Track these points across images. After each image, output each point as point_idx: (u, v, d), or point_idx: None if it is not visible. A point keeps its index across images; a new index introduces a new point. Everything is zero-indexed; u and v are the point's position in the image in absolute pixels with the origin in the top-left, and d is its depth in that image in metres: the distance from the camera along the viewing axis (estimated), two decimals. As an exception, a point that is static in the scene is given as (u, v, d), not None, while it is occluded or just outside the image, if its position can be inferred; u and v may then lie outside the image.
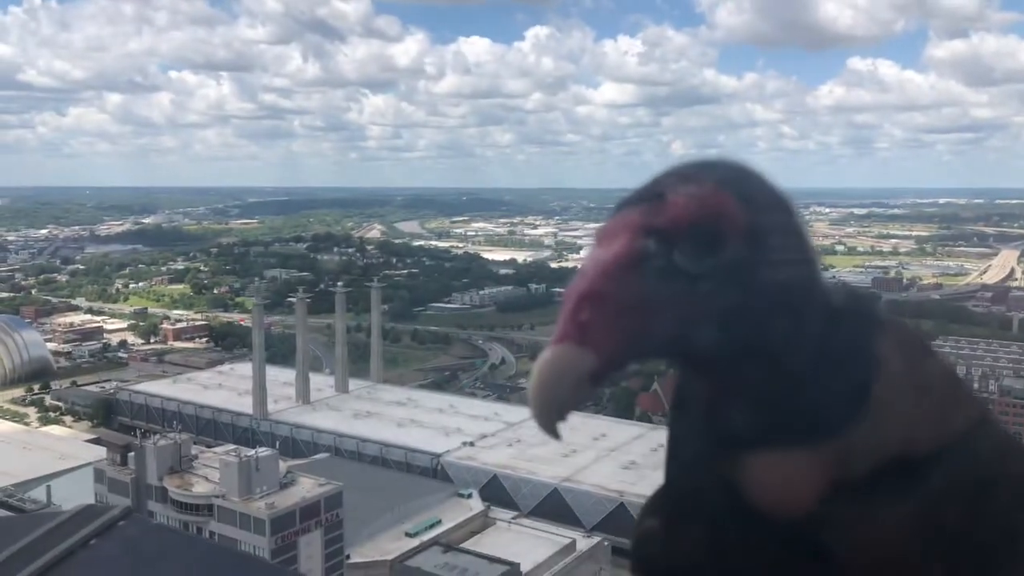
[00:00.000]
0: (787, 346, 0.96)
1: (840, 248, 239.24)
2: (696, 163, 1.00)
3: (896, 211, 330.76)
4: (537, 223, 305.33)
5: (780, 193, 1.00)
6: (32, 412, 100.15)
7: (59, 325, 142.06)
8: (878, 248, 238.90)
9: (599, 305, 0.91)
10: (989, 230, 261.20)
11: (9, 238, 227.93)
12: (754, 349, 0.95)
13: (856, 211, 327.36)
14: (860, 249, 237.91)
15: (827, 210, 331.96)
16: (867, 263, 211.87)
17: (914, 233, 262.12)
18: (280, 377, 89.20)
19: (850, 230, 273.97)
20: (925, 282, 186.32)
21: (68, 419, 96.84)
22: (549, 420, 0.94)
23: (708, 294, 0.92)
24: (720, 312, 0.93)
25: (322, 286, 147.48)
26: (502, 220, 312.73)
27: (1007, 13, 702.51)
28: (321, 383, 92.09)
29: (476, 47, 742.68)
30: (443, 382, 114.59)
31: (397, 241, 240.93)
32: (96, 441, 78.44)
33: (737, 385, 0.99)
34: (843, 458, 0.98)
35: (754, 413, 0.99)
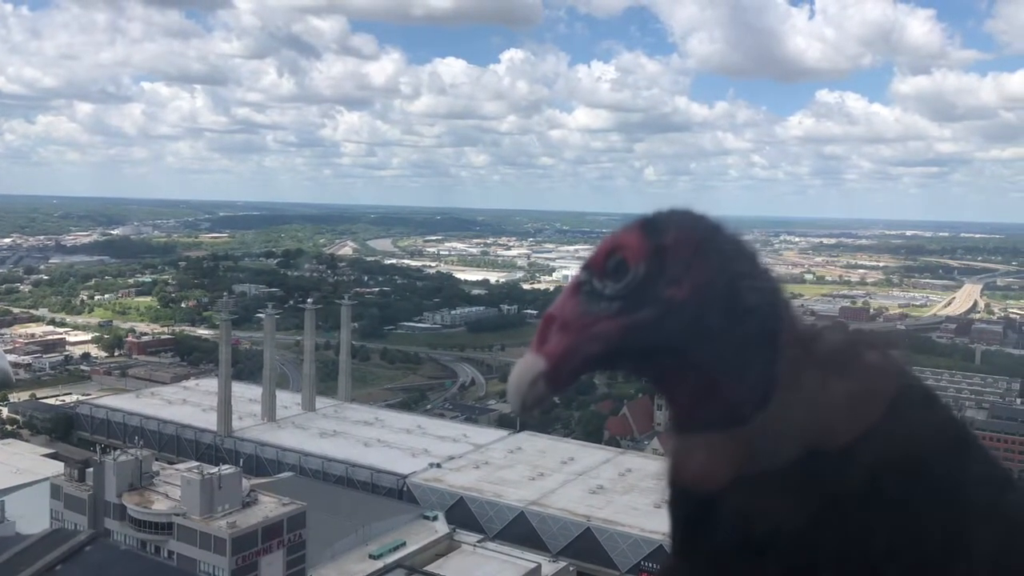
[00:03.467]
0: (696, 344, 1.14)
1: (809, 277, 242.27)
2: (675, 211, 1.26)
3: (864, 241, 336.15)
4: (510, 244, 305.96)
5: (705, 222, 1.22)
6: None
7: (20, 336, 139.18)
8: (846, 278, 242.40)
9: (552, 322, 1.21)
10: (953, 263, 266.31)
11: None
12: (666, 349, 1.15)
13: (825, 240, 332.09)
14: (828, 278, 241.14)
15: (797, 239, 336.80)
16: (835, 292, 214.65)
17: (881, 264, 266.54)
18: (246, 394, 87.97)
19: (819, 259, 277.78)
20: (891, 312, 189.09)
21: (26, 432, 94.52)
22: (519, 409, 1.22)
23: (621, 310, 1.16)
24: (635, 325, 1.16)
25: (292, 302, 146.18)
26: (475, 240, 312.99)
27: (967, 51, 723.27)
28: (288, 400, 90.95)
29: (452, 68, 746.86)
30: (412, 402, 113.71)
31: (369, 259, 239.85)
32: (54, 456, 76.71)
33: (662, 379, 1.20)
34: (753, 442, 1.12)
35: (675, 401, 1.19)
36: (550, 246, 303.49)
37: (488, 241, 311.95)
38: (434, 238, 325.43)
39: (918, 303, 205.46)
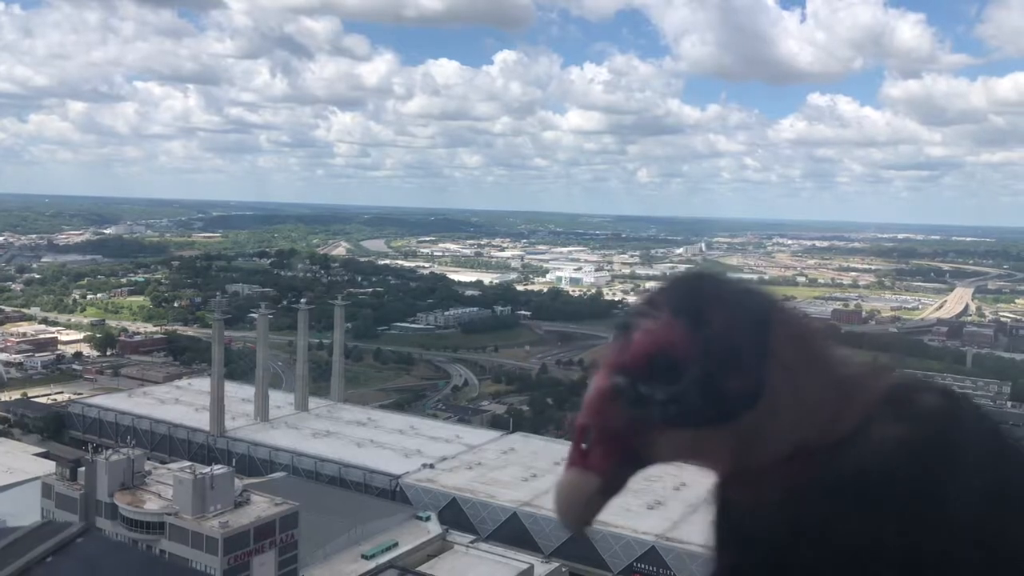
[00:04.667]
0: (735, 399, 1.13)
1: (801, 279, 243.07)
2: (667, 284, 1.20)
3: (856, 244, 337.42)
4: (504, 245, 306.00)
5: (742, 297, 1.18)
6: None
7: (12, 335, 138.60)
8: (838, 280, 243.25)
9: (591, 434, 1.13)
10: (945, 266, 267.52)
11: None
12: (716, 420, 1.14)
13: (818, 243, 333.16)
14: (821, 281, 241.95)
15: (789, 241, 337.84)
16: (827, 295, 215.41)
17: (873, 267, 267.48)
18: (239, 393, 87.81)
19: (811, 262, 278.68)
20: (883, 315, 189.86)
21: (17, 432, 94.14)
22: (575, 530, 1.19)
23: (681, 413, 1.11)
24: (701, 424, 1.13)
25: (285, 302, 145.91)
26: (469, 241, 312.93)
27: (958, 55, 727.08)
28: (281, 400, 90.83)
29: (445, 69, 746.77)
30: (405, 403, 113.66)
31: (362, 259, 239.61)
32: (45, 455, 76.40)
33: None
34: (744, 438, 1.13)
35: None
36: (543, 247, 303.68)
37: (482, 242, 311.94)
38: (427, 239, 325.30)
39: (910, 306, 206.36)
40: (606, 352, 1.15)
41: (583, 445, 1.14)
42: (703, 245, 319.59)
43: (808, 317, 1.19)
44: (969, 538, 1.07)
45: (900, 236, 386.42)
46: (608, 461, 1.13)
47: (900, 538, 1.08)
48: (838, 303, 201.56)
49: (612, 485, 1.15)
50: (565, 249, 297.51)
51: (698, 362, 1.11)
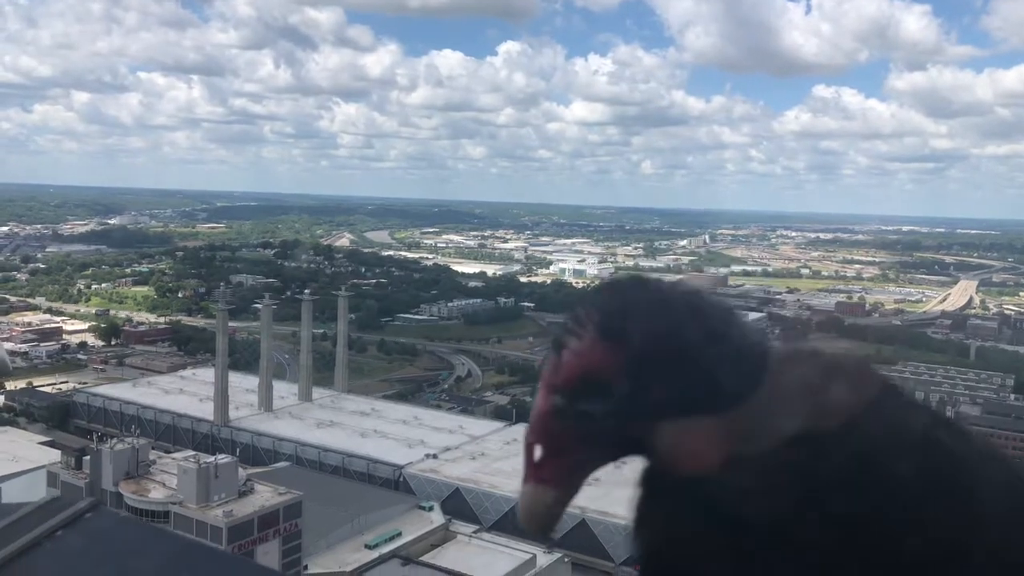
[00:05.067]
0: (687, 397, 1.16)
1: (805, 272, 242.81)
2: (590, 298, 1.21)
3: (860, 237, 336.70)
4: (507, 237, 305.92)
5: (664, 302, 1.19)
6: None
7: (17, 324, 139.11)
8: (842, 273, 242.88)
9: (539, 450, 1.18)
10: (949, 259, 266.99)
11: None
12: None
13: (822, 235, 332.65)
14: (824, 273, 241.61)
15: (793, 234, 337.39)
16: (831, 287, 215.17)
17: (877, 259, 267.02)
18: (243, 384, 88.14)
19: (815, 254, 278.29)
20: (887, 308, 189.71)
21: (23, 421, 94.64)
22: (541, 537, 1.69)
23: (617, 423, 1.16)
24: (636, 428, 1.17)
25: (289, 293, 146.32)
26: (472, 233, 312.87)
27: (963, 47, 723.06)
28: (284, 391, 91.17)
29: (448, 60, 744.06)
30: (408, 393, 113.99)
31: (366, 250, 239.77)
32: (51, 444, 76.79)
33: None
34: (742, 427, 1.15)
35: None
36: (547, 239, 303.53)
37: (485, 234, 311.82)
38: (431, 230, 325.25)
39: (914, 299, 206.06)
40: (543, 371, 1.19)
41: (532, 461, 1.18)
42: (707, 237, 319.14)
43: (732, 312, 1.21)
44: (902, 526, 1.08)
45: (904, 229, 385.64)
46: (558, 473, 1.18)
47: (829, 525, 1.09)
48: (842, 295, 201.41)
49: (567, 493, 1.20)
50: (569, 241, 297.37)
51: (626, 375, 1.14)
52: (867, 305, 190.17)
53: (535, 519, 1.21)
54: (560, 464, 1.19)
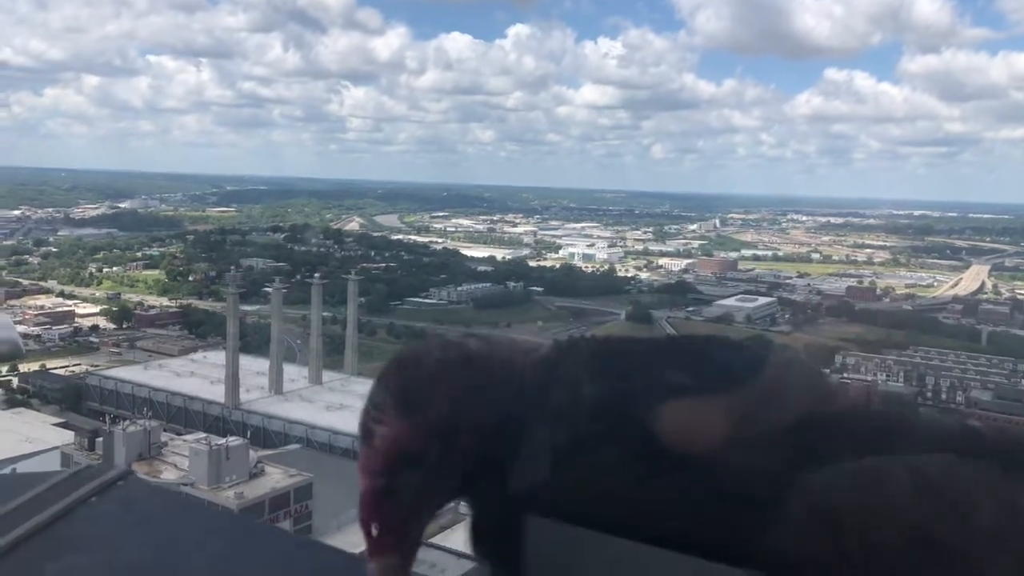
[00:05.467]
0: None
1: (816, 256, 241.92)
2: (382, 378, 1.29)
3: (872, 221, 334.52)
4: (517, 221, 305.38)
5: (451, 366, 1.24)
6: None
7: (29, 307, 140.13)
8: (853, 257, 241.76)
9: (375, 527, 1.23)
10: (961, 243, 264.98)
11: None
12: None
13: (833, 220, 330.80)
14: (835, 258, 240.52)
15: (804, 218, 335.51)
16: (842, 272, 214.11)
17: (888, 244, 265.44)
18: (253, 367, 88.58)
19: (826, 238, 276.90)
20: (898, 292, 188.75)
21: (36, 402, 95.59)
22: None
23: (440, 478, 1.21)
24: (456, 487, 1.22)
25: (299, 277, 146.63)
26: (482, 217, 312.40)
27: (977, 29, 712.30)
28: (295, 374, 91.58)
29: (457, 43, 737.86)
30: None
31: (375, 234, 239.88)
32: (64, 425, 77.48)
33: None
34: (736, 413, 1.11)
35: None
36: (556, 223, 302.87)
37: (494, 218, 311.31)
38: (440, 214, 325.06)
39: (925, 283, 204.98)
40: (360, 458, 1.25)
41: (374, 536, 1.22)
42: (717, 221, 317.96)
43: (515, 346, 1.24)
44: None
45: (916, 213, 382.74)
46: (398, 541, 1.22)
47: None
48: (852, 280, 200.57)
49: (410, 553, 1.24)
50: (578, 225, 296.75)
51: (436, 440, 1.18)
52: (878, 290, 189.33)
53: None
54: (397, 533, 1.22)
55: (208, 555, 2.35)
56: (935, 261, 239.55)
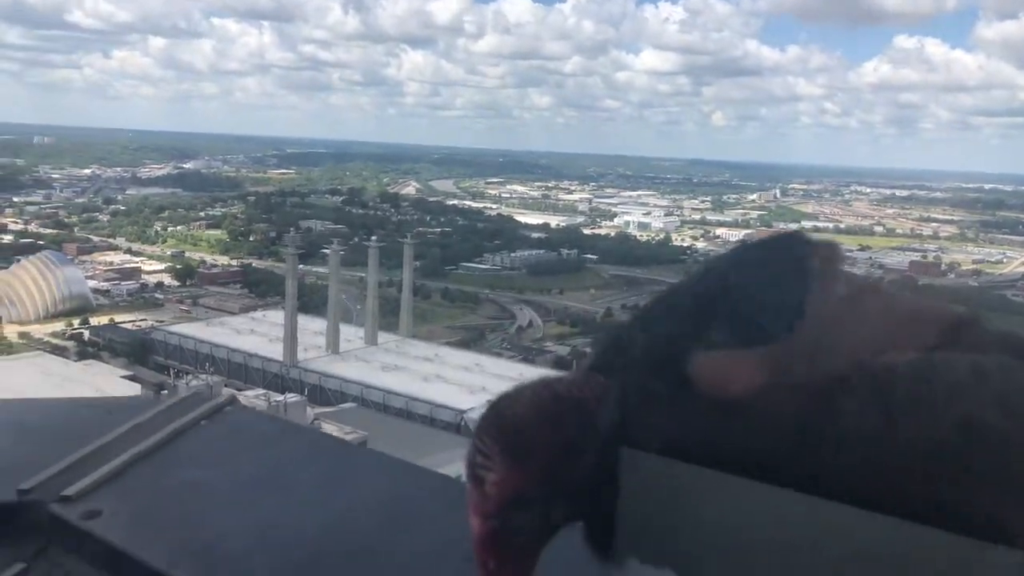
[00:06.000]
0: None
1: (879, 229, 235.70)
2: (484, 423, 1.32)
3: (938, 194, 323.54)
4: (572, 188, 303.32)
5: (549, 409, 1.28)
6: (71, 346, 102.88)
7: (100, 264, 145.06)
8: (918, 231, 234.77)
9: (492, 565, 1.25)
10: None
11: (54, 176, 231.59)
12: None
13: (898, 192, 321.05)
14: (899, 231, 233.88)
15: (868, 190, 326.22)
16: (905, 245, 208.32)
17: (956, 218, 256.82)
18: (311, 326, 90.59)
19: (890, 211, 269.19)
20: (964, 268, 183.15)
21: (105, 355, 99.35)
22: None
23: (551, 515, 1.25)
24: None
25: (356, 239, 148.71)
26: (537, 183, 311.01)
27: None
28: (351, 334, 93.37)
29: (516, 7, 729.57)
30: (470, 340, 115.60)
31: (431, 199, 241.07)
32: (131, 378, 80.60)
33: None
34: (782, 359, 1.14)
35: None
36: (612, 191, 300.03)
37: (550, 184, 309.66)
38: (496, 180, 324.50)
39: (993, 259, 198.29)
40: (471, 502, 1.26)
41: (490, 570, 1.25)
42: (777, 191, 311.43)
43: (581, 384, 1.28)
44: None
45: (987, 187, 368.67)
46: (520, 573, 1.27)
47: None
48: (916, 254, 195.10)
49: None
50: (634, 193, 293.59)
51: (544, 480, 1.22)
52: (943, 265, 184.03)
53: None
54: (514, 568, 1.26)
55: (320, 472, 2.46)
56: (1006, 236, 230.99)
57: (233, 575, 1.87)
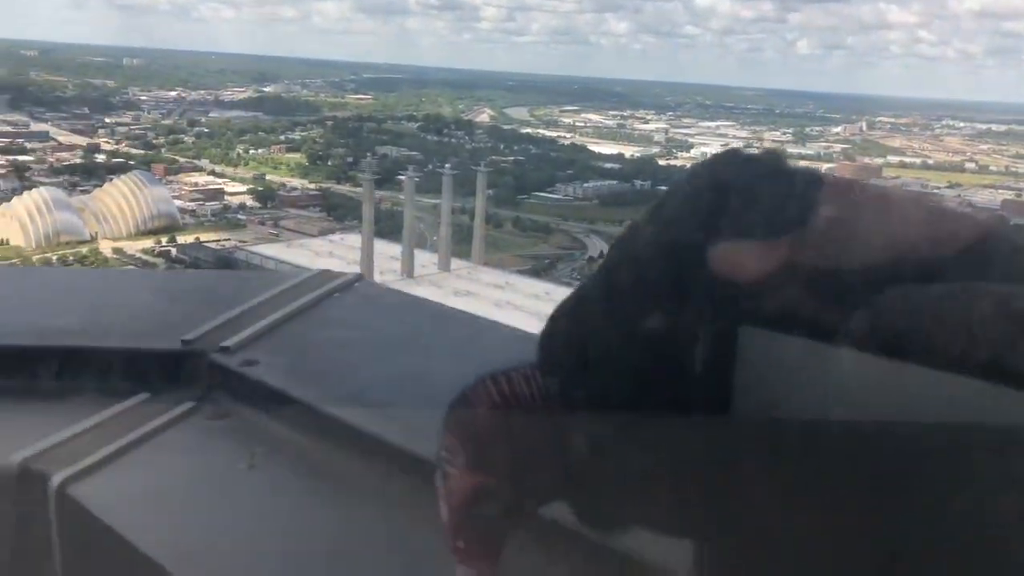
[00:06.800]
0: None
1: (970, 166, 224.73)
2: (454, 422, 1.32)
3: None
4: (648, 118, 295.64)
5: (514, 399, 1.31)
6: (160, 263, 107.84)
7: (185, 184, 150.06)
8: (1013, 169, 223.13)
9: (462, 543, 1.29)
10: None
11: (142, 97, 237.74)
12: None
13: (994, 127, 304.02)
14: (993, 168, 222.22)
15: (961, 124, 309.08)
16: (999, 184, 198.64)
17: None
18: (386, 251, 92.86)
19: (985, 147, 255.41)
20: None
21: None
22: None
23: (517, 508, 1.32)
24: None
25: (430, 166, 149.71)
26: (612, 112, 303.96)
27: None
28: (425, 260, 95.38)
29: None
30: (541, 269, 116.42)
31: (505, 127, 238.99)
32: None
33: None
34: (797, 250, 1.12)
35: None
36: (689, 121, 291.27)
37: (625, 114, 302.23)
38: (570, 108, 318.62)
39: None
40: (440, 495, 1.29)
41: (461, 548, 1.30)
42: (863, 124, 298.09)
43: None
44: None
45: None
46: (480, 552, 1.32)
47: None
48: (1010, 193, 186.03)
49: (494, 558, 1.34)
50: (712, 124, 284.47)
51: (507, 481, 1.28)
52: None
53: None
54: (481, 546, 1.31)
55: (448, 336, 2.81)
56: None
57: (384, 419, 1.99)
